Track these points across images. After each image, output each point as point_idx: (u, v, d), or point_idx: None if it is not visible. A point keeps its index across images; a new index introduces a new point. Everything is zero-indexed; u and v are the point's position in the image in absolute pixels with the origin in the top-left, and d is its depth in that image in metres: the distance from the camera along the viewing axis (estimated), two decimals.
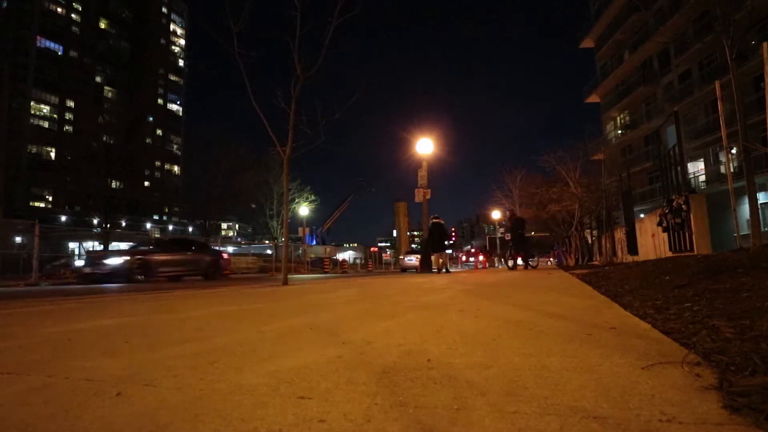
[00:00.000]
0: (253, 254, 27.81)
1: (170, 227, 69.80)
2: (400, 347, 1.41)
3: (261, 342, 1.60)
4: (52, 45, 65.13)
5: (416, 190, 15.19)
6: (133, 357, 1.39)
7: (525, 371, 1.06)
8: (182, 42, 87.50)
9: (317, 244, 43.29)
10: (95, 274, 10.05)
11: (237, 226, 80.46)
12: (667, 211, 7.47)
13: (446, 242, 12.72)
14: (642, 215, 13.28)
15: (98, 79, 71.53)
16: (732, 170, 7.29)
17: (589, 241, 20.16)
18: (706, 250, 6.20)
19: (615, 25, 32.39)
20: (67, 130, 61.48)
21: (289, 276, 7.75)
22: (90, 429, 0.79)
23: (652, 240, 9.55)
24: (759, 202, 7.63)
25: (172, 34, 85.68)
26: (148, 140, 66.49)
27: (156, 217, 70.97)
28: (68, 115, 64.02)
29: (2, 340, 1.83)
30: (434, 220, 12.57)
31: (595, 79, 36.57)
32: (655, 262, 5.91)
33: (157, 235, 36.00)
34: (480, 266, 33.04)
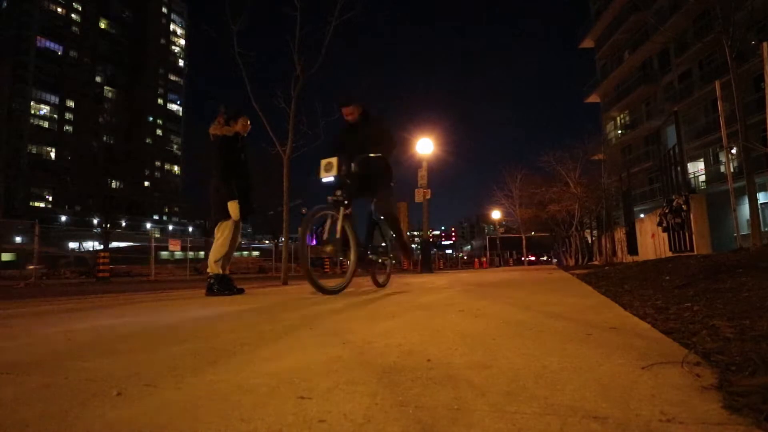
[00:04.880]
0: (253, 254, 27.83)
1: (170, 227, 69.80)
2: (400, 347, 1.41)
3: (261, 342, 1.60)
4: (52, 45, 65.12)
5: (416, 190, 15.20)
6: (133, 357, 1.39)
7: (525, 371, 1.06)
8: (182, 42, 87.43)
9: (318, 244, 43.18)
10: None
11: None
12: (667, 211, 7.47)
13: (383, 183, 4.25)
14: (642, 215, 13.27)
15: (98, 79, 71.55)
16: (732, 170, 7.29)
17: (589, 241, 20.18)
18: (706, 250, 6.20)
19: (615, 25, 32.40)
20: (67, 130, 61.50)
21: (289, 276, 7.75)
22: (90, 429, 0.79)
23: (652, 240, 9.55)
24: (759, 202, 7.63)
25: (172, 34, 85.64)
26: (148, 140, 66.51)
27: (156, 217, 70.93)
28: (68, 115, 64.03)
29: (2, 340, 1.83)
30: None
31: (595, 79, 36.60)
32: (655, 262, 5.91)
33: (157, 235, 35.99)
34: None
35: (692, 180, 23.30)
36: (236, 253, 5.24)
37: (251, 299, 3.79)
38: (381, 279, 4.64)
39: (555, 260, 33.43)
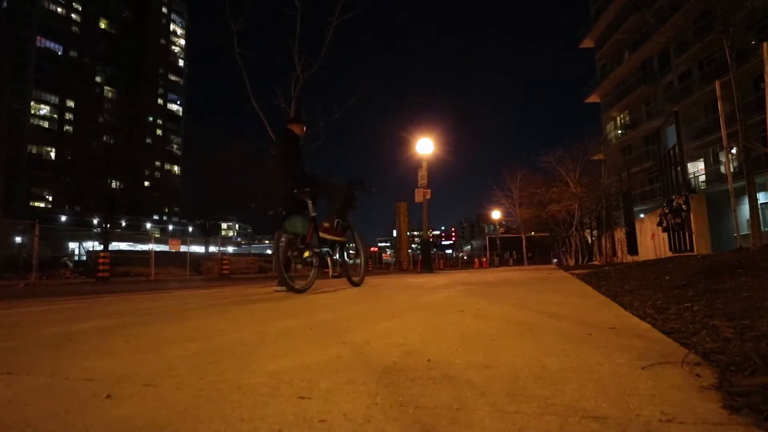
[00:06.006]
0: (253, 254, 27.85)
1: (170, 227, 69.81)
2: (400, 347, 1.41)
3: (261, 342, 1.60)
4: (52, 45, 65.08)
5: (416, 190, 15.20)
6: (133, 357, 1.39)
7: (525, 371, 1.06)
8: (182, 42, 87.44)
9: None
10: None
11: (237, 226, 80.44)
12: (667, 211, 7.47)
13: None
14: (642, 215, 13.28)
15: (98, 79, 71.42)
16: (732, 170, 7.29)
17: (589, 241, 20.18)
18: (706, 250, 6.20)
19: (615, 25, 32.40)
20: (67, 130, 61.40)
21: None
22: (90, 429, 0.79)
23: (652, 240, 9.55)
24: (759, 202, 7.64)
25: (172, 34, 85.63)
26: (148, 140, 66.51)
27: (156, 217, 70.93)
28: (68, 115, 63.94)
29: (2, 340, 1.83)
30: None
31: (595, 79, 36.60)
32: (655, 262, 5.91)
33: (157, 235, 35.99)
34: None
35: (692, 180, 23.29)
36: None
37: (251, 299, 3.79)
38: (356, 279, 5.04)
39: (555, 260, 33.48)
